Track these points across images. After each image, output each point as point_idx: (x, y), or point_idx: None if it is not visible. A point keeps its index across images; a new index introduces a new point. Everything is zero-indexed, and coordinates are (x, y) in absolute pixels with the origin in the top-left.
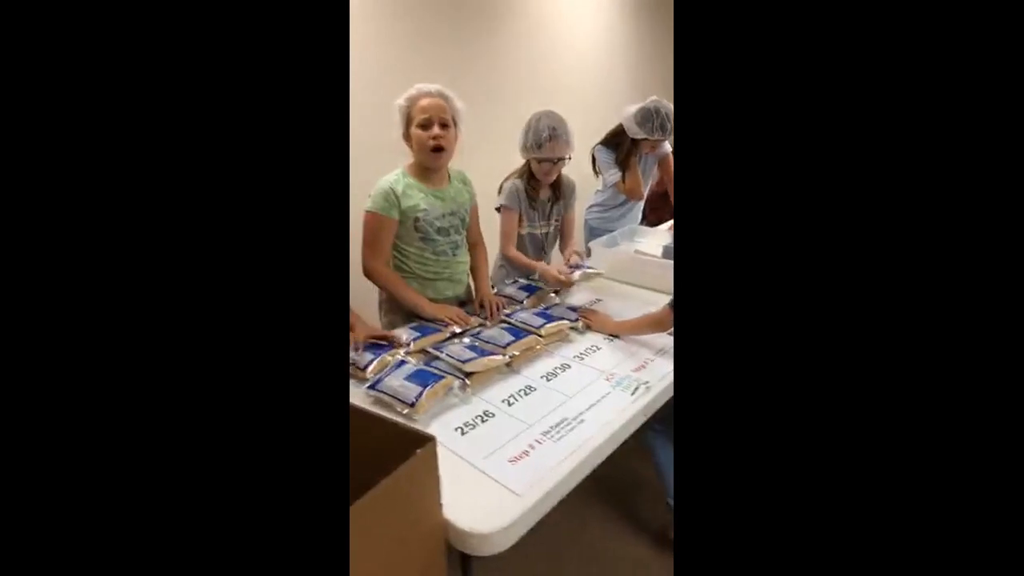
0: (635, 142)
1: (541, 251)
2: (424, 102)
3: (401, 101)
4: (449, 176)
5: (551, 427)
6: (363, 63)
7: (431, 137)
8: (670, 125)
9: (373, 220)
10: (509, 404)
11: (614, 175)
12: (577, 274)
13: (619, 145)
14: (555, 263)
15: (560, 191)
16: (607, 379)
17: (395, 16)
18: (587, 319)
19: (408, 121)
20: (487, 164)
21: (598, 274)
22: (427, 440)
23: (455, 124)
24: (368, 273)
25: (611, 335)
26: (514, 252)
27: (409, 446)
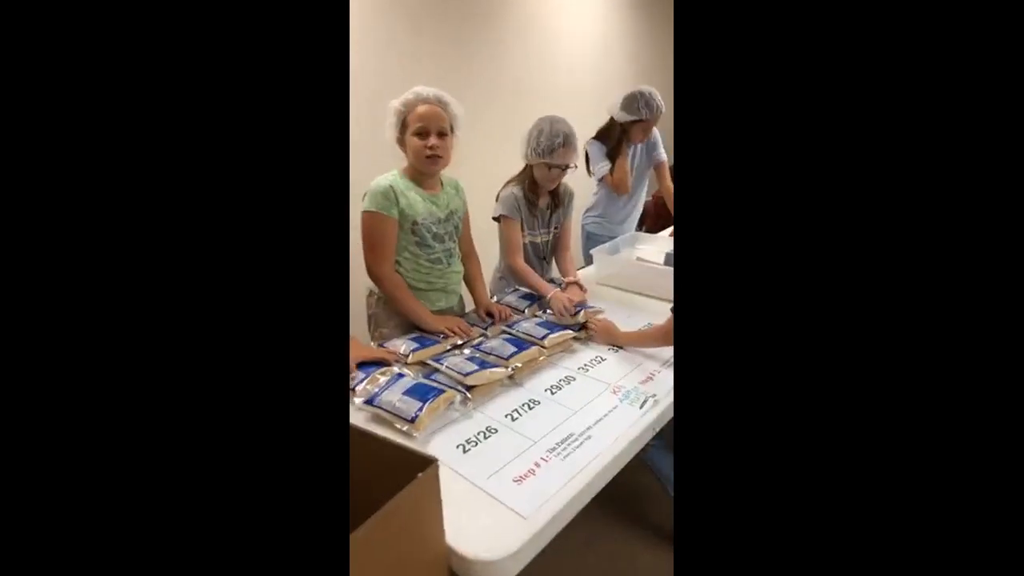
0: (624, 131)
1: (541, 260)
2: (421, 109)
3: (397, 104)
4: (442, 182)
5: (557, 444)
6: (354, 62)
7: (427, 147)
8: (655, 103)
9: (373, 221)
10: (512, 419)
11: (603, 167)
12: (581, 315)
13: (609, 137)
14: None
15: (559, 198)
16: (613, 392)
17: (386, 13)
18: (592, 328)
19: (403, 126)
20: (480, 167)
21: (600, 311)
22: (428, 463)
23: (452, 131)
24: (375, 278)
25: (615, 346)
26: (522, 265)
27: (409, 469)
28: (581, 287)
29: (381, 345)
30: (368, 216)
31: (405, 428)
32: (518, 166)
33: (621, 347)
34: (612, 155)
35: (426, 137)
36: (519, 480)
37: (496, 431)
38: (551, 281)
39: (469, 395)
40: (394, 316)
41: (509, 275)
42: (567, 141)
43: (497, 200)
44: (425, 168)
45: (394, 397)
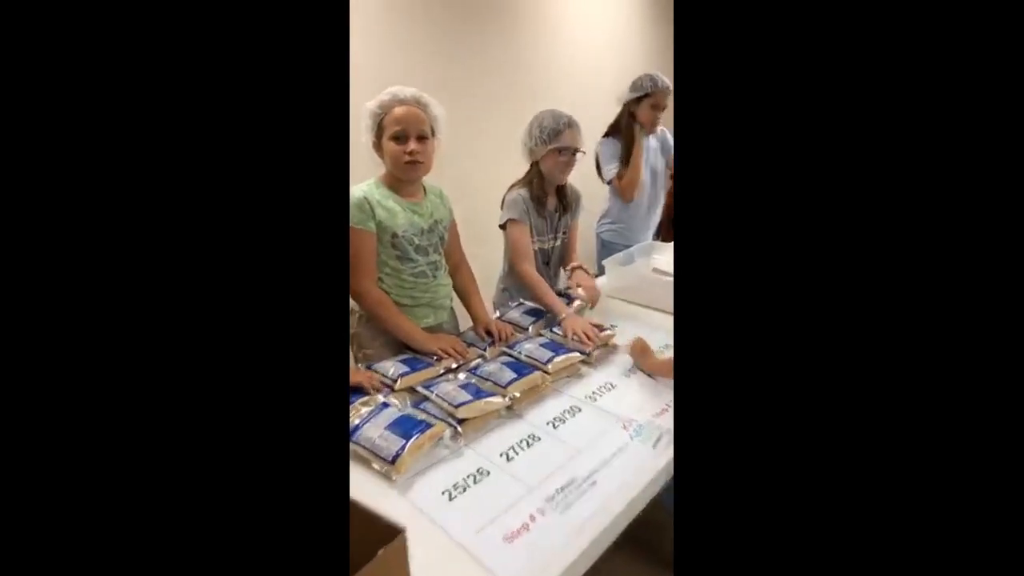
0: (632, 116)
1: (547, 267)
2: (398, 111)
3: (372, 106)
4: (424, 190)
5: (556, 491)
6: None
7: (406, 152)
8: (660, 79)
9: (350, 236)
10: (508, 459)
11: (613, 169)
12: (596, 353)
13: (620, 129)
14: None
15: (567, 200)
16: (624, 427)
17: (387, 13)
18: (632, 350)
19: (380, 130)
20: (485, 172)
21: (610, 331)
22: (394, 533)
23: (434, 134)
24: (356, 296)
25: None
26: (534, 274)
27: (373, 541)
28: (586, 271)
29: (369, 367)
30: None
31: (384, 469)
32: (519, 172)
33: (637, 372)
34: (626, 151)
35: (405, 142)
36: (510, 538)
37: (488, 473)
38: (561, 295)
39: (460, 429)
40: (380, 335)
41: (514, 285)
42: (572, 123)
43: (503, 206)
44: (404, 175)
45: (375, 432)
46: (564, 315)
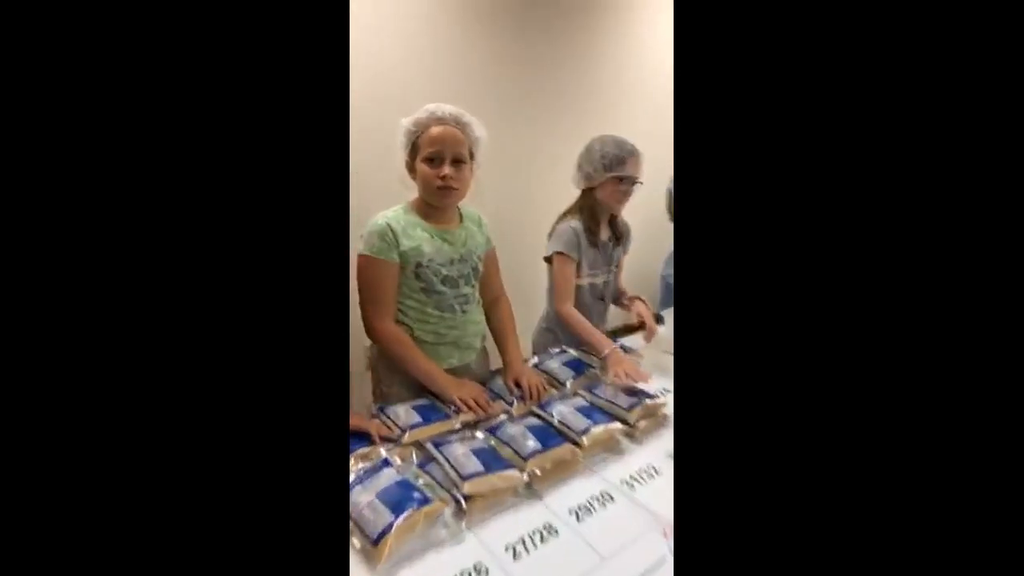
0: None
1: (600, 301)
2: (435, 131)
3: (408, 123)
4: (460, 215)
5: None
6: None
7: (439, 176)
8: None
9: (369, 266)
10: (515, 556)
11: None
12: (636, 411)
13: None
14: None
15: (619, 231)
16: (664, 534)
17: (443, 15)
18: None
19: (414, 150)
20: (533, 199)
21: (663, 403)
22: None
23: (472, 157)
24: (372, 333)
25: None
26: (573, 312)
27: None
28: (644, 302)
29: (381, 409)
30: (363, 261)
31: (364, 548)
32: (571, 196)
33: None
34: None
35: (439, 165)
36: None
37: (486, 574)
38: (612, 336)
39: (464, 506)
40: (398, 372)
41: (559, 325)
42: (635, 151)
43: (551, 236)
44: (435, 200)
45: (365, 498)
46: (608, 351)
